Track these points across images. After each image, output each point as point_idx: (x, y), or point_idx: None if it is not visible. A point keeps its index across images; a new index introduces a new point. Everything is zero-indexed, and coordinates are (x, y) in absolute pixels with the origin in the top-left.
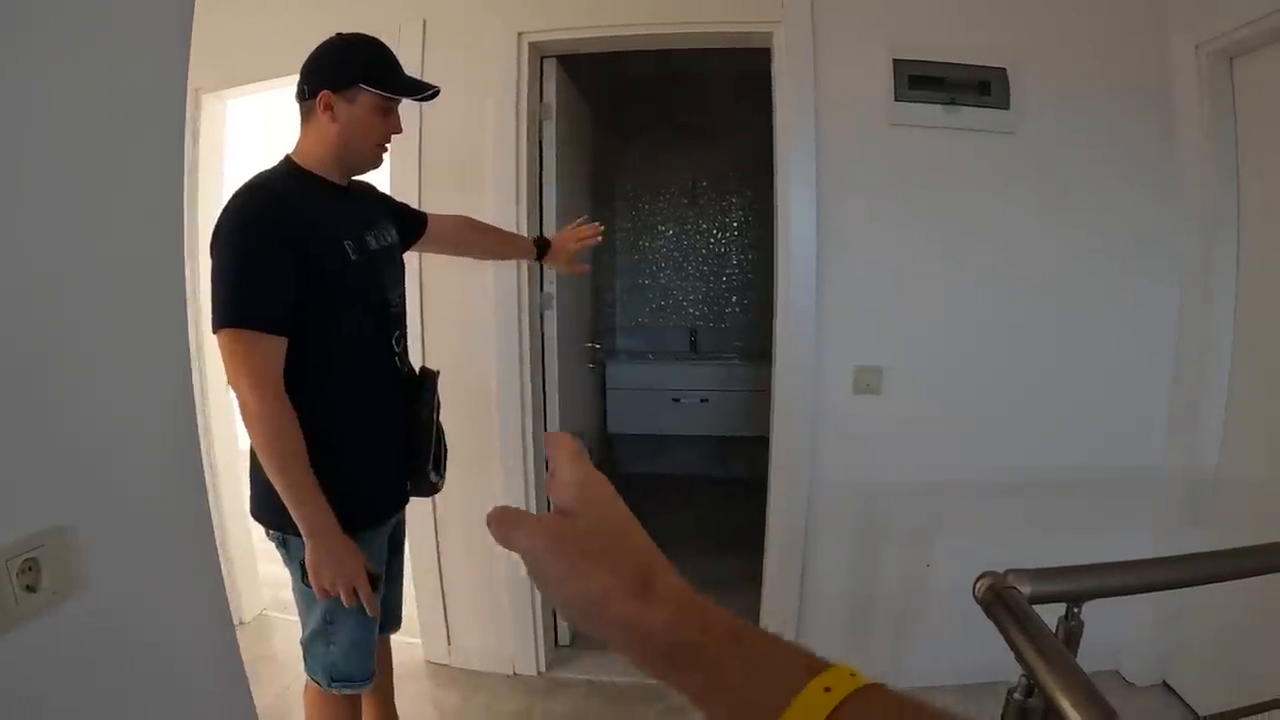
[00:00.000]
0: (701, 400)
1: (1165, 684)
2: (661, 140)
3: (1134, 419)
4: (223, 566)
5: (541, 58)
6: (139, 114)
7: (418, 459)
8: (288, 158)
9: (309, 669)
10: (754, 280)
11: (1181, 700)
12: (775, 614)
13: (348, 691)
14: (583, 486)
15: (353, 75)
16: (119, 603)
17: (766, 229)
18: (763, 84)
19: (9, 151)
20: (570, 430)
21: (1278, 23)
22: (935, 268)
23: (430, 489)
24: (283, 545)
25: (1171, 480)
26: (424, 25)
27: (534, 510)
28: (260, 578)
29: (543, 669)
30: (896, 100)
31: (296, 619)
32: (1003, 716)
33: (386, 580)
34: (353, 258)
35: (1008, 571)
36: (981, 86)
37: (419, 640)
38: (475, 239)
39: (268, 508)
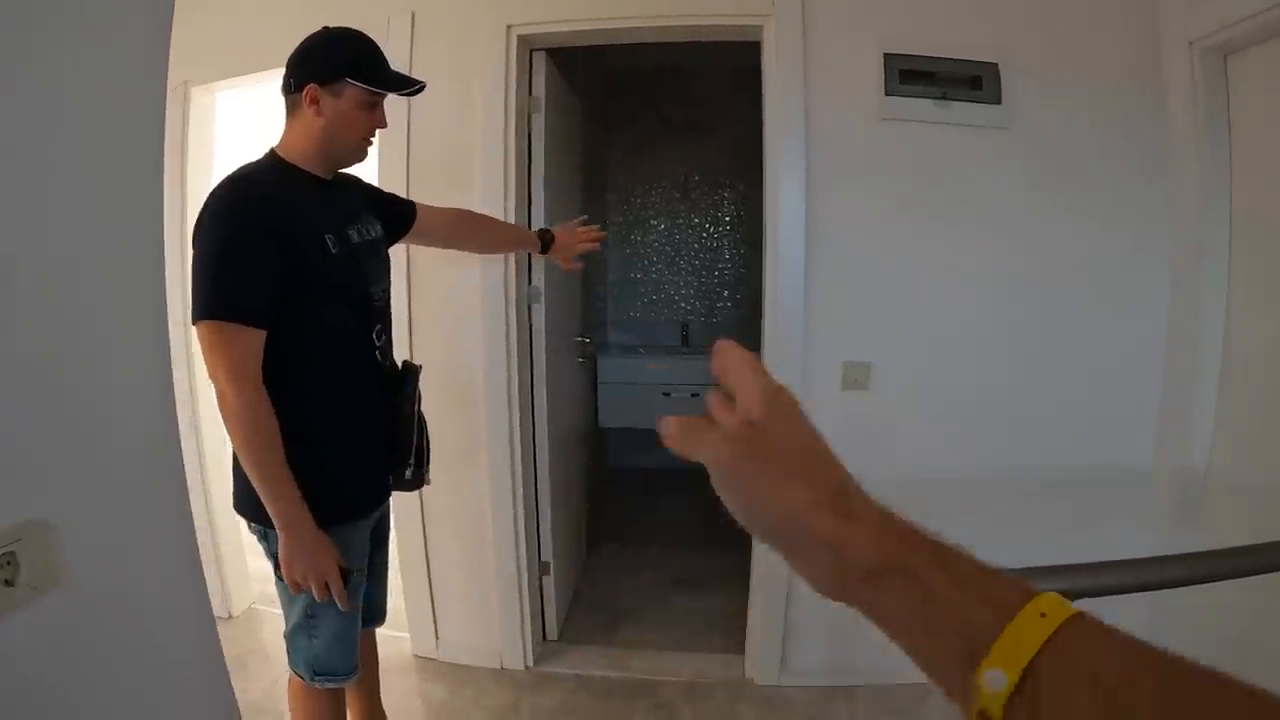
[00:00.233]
0: (693, 395)
1: None
2: (653, 134)
3: (1123, 416)
4: (212, 560)
5: (531, 51)
6: (117, 105)
7: (399, 453)
8: (272, 151)
9: (292, 662)
10: (746, 275)
11: None
12: (762, 612)
13: (331, 685)
14: (772, 396)
15: (339, 69)
16: (98, 597)
17: (759, 223)
18: (756, 78)
19: None
20: (558, 425)
21: (1272, 19)
22: (925, 263)
23: (413, 484)
24: (264, 539)
25: (1160, 478)
26: (412, 18)
27: (516, 506)
28: (250, 571)
29: (530, 663)
30: (887, 94)
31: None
32: None
33: (371, 574)
34: (334, 251)
35: None
36: (973, 81)
37: (406, 634)
38: (474, 233)
39: (249, 502)
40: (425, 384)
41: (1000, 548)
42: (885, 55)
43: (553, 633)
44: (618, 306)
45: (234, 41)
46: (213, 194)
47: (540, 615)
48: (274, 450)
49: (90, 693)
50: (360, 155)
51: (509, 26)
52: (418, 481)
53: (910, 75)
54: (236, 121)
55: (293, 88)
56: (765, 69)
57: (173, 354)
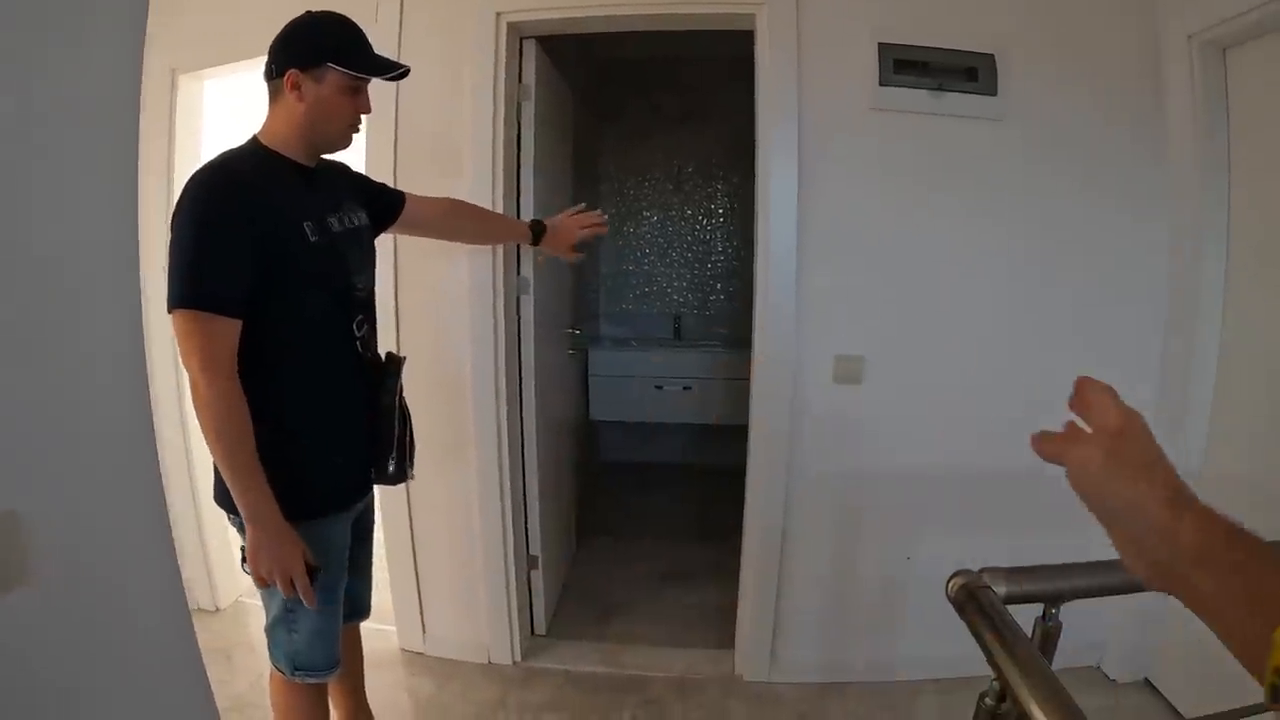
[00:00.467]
0: (685, 388)
1: (1147, 681)
2: (646, 124)
3: None
4: (198, 553)
5: (521, 38)
6: (90, 91)
7: (380, 446)
8: (254, 138)
9: (272, 657)
10: (739, 267)
11: (1163, 698)
12: (753, 605)
13: (311, 680)
14: (1128, 417)
15: (321, 54)
16: (66, 590)
17: (752, 215)
18: (749, 67)
19: None
20: (547, 417)
21: (1271, 13)
22: (919, 256)
23: (396, 478)
24: (242, 531)
25: None
26: (400, 4)
27: (504, 499)
28: (236, 564)
29: (518, 658)
30: (881, 85)
31: None
32: None
33: (354, 569)
34: (312, 239)
35: (982, 570)
36: (969, 72)
37: (393, 628)
38: (464, 224)
39: (227, 494)
40: (412, 376)
41: (993, 542)
42: (879, 45)
43: (541, 627)
44: (609, 298)
45: (222, 29)
46: (190, 180)
47: (529, 609)
48: (244, 442)
49: (60, 686)
50: (344, 142)
51: (498, 14)
52: (400, 475)
53: (905, 65)
54: (225, 110)
55: (274, 73)
56: (758, 58)
57: (161, 345)
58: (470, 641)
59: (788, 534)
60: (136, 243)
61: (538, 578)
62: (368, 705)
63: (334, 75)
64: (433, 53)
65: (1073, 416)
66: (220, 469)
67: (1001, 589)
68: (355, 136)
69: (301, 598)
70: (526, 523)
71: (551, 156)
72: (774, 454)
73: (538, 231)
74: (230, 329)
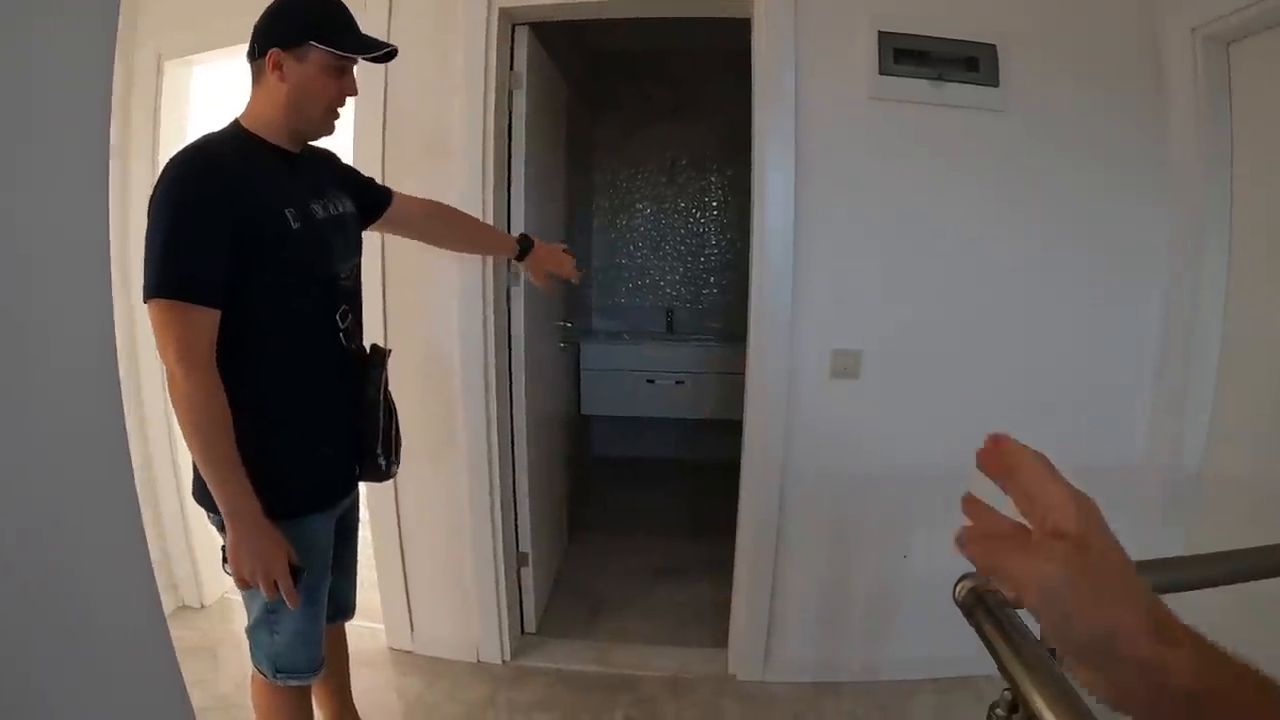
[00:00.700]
0: (677, 382)
1: None
2: (639, 116)
3: (1116, 410)
4: (183, 548)
5: (513, 25)
6: (58, 76)
7: (364, 442)
8: (235, 121)
9: (253, 658)
10: (733, 260)
11: None
12: (747, 604)
13: (294, 683)
14: (1081, 510)
15: (304, 32)
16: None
17: (746, 208)
18: (744, 59)
19: None
20: (537, 412)
21: (1274, 7)
22: (917, 248)
23: (381, 474)
24: (222, 530)
25: (1153, 473)
26: None
27: (493, 495)
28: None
29: (508, 657)
30: (881, 74)
31: None
32: None
33: (338, 568)
34: (294, 226)
35: None
36: (969, 63)
37: (380, 626)
38: (449, 229)
39: (207, 490)
40: (399, 369)
41: None
42: (880, 33)
43: (531, 625)
44: (602, 292)
45: (210, 13)
46: (168, 165)
47: (519, 607)
48: (222, 436)
49: (23, 686)
50: (328, 125)
51: None
52: (386, 472)
53: (905, 55)
54: (212, 97)
55: (256, 53)
56: (755, 45)
57: (150, 338)
58: (459, 640)
59: (782, 532)
60: (107, 232)
61: (528, 575)
62: (353, 706)
63: (317, 54)
64: (423, 38)
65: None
66: (198, 463)
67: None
68: (342, 124)
69: (285, 599)
70: (516, 519)
71: (543, 146)
72: (769, 450)
73: (525, 247)
74: (208, 319)
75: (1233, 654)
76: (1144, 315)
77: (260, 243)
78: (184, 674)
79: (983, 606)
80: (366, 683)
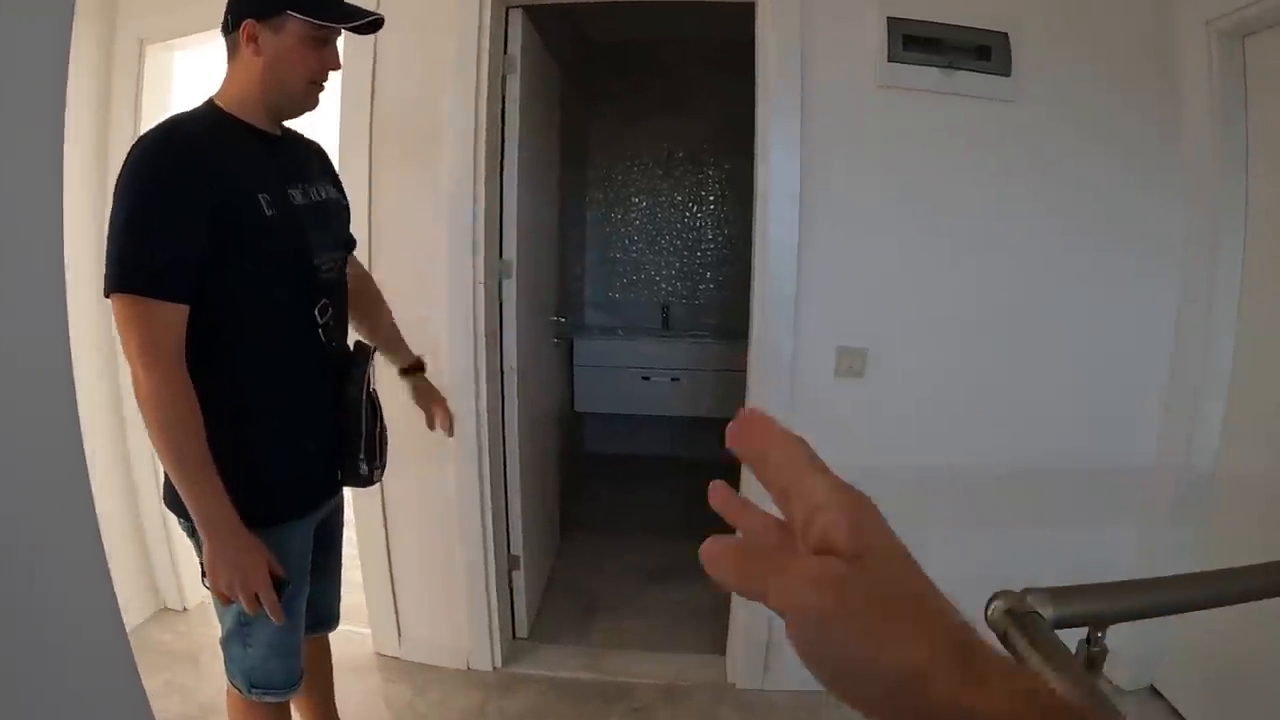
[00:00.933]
0: (673, 379)
1: (1153, 688)
2: (635, 108)
3: (1127, 410)
4: (164, 551)
5: (507, 7)
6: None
7: (346, 443)
8: (209, 100)
9: (228, 672)
10: (730, 256)
11: (1170, 705)
12: (746, 611)
13: (270, 699)
14: (854, 513)
15: (279, 1)
16: None
17: (743, 202)
18: (742, 51)
19: None
20: (529, 410)
21: None
22: (925, 242)
23: (363, 479)
24: (193, 536)
25: (1164, 473)
26: None
27: (483, 495)
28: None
29: (499, 664)
30: (890, 61)
31: None
32: None
33: (320, 576)
34: (268, 213)
35: (1026, 591)
36: (981, 51)
37: (367, 630)
38: (362, 303)
39: (178, 496)
40: (385, 364)
41: (998, 544)
42: (889, 19)
43: (523, 630)
44: (596, 287)
45: None
46: (135, 145)
47: (510, 611)
48: (194, 440)
49: None
50: (309, 101)
51: None
52: (370, 476)
53: (914, 42)
54: (195, 82)
55: (230, 26)
56: (759, 31)
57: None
58: (449, 646)
59: None
60: (61, 227)
61: (520, 578)
62: (338, 718)
63: (295, 24)
64: (414, 19)
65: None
66: (168, 471)
67: (1049, 612)
68: (328, 107)
69: (268, 613)
70: (508, 521)
71: (538, 133)
72: None
73: (416, 367)
74: (176, 315)
75: (1053, 689)
76: (1156, 311)
77: (234, 230)
78: (164, 679)
79: (1020, 629)
80: (352, 690)
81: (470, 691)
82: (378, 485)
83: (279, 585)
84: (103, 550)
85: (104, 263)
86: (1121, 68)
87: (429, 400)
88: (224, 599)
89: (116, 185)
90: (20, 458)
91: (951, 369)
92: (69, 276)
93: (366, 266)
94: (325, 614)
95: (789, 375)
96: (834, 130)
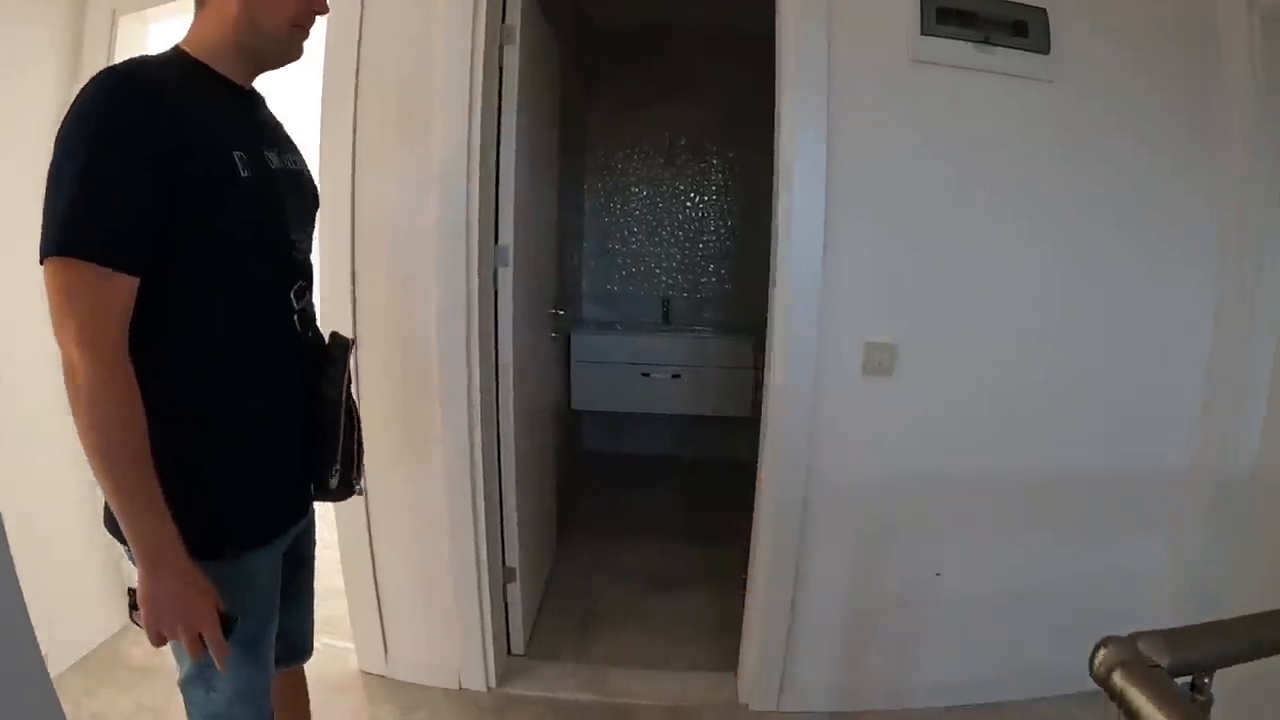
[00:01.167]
0: (674, 376)
1: None
2: (636, 94)
3: (1163, 409)
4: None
5: None
6: None
7: (321, 452)
8: (175, 46)
9: (189, 717)
10: (733, 248)
11: None
12: (761, 626)
13: None
14: None
15: None
16: None
17: (747, 193)
18: (746, 39)
19: None
20: (526, 411)
21: None
22: (957, 232)
23: (340, 493)
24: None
25: (1200, 476)
26: None
27: (476, 504)
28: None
29: (493, 684)
30: (923, 34)
31: None
32: None
33: (293, 602)
34: (243, 174)
35: (1135, 636)
36: (1017, 26)
37: (350, 645)
38: None
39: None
40: (369, 361)
41: (1027, 550)
42: None
43: (519, 645)
44: (594, 279)
45: None
46: (87, 84)
47: (504, 626)
48: (134, 448)
49: None
50: (292, 49)
51: None
52: (346, 490)
53: (949, 14)
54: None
55: None
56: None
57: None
58: (439, 664)
59: (803, 546)
60: None
61: (515, 590)
62: None
63: None
64: None
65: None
66: (102, 480)
67: (1164, 660)
68: (310, 73)
69: (214, 659)
70: (503, 529)
71: (536, 110)
72: (792, 456)
73: None
74: (124, 289)
75: None
76: (1195, 308)
77: (201, 190)
78: (134, 699)
79: (1136, 683)
80: (335, 711)
81: (462, 712)
82: (365, 501)
83: (226, 625)
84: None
85: (42, 219)
86: (1162, 50)
87: None
88: (159, 640)
89: (63, 128)
90: None
91: (984, 365)
92: (25, 256)
93: (349, 255)
94: (298, 645)
95: (812, 372)
96: (862, 109)
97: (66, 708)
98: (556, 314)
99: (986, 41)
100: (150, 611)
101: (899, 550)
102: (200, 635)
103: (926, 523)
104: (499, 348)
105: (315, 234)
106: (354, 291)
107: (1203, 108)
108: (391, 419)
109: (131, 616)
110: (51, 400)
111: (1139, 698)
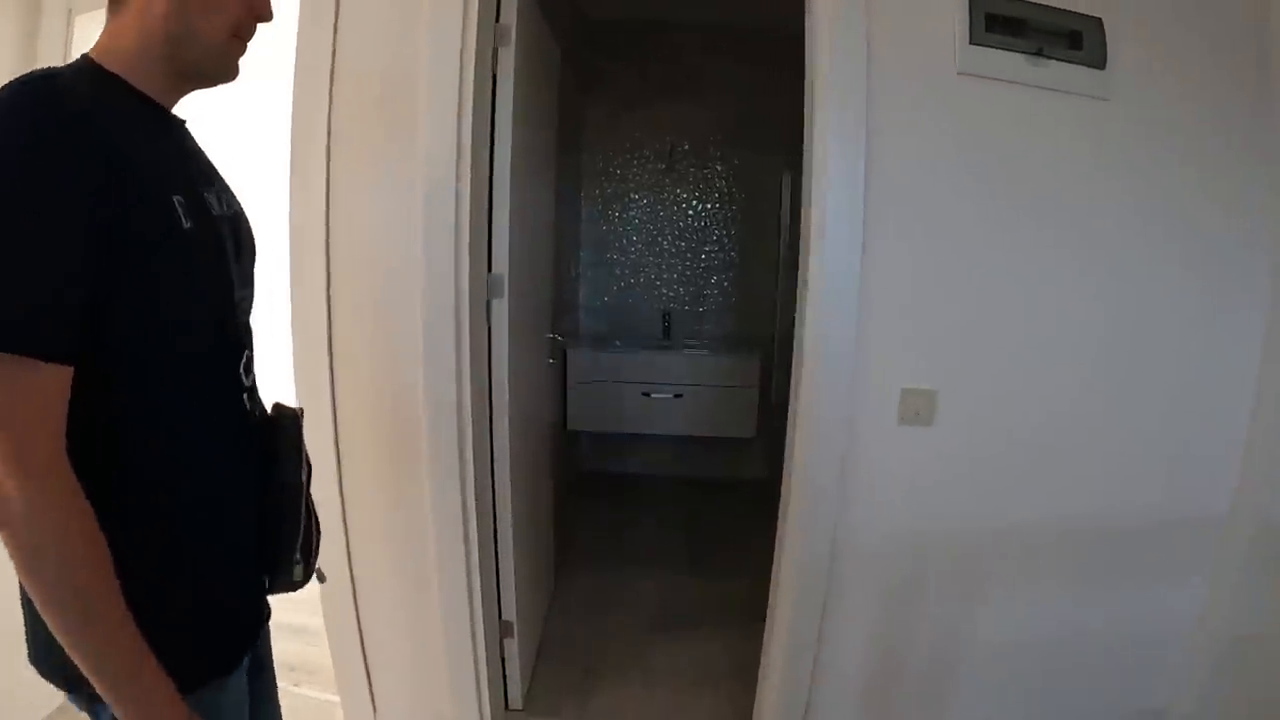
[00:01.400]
0: (676, 395)
1: None
2: (636, 95)
3: (1206, 449)
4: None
5: None
6: None
7: (280, 544)
8: (85, 57)
9: None
10: (737, 259)
11: None
12: (780, 685)
13: None
14: None
15: None
16: None
17: (753, 200)
18: (752, 35)
19: None
20: (523, 450)
21: None
22: (1003, 264)
23: (299, 583)
24: (93, 712)
25: (1241, 520)
26: None
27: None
28: None
29: None
30: (972, 43)
31: None
32: None
33: (261, 701)
34: (185, 225)
35: None
36: (1072, 38)
37: (336, 698)
38: None
39: (62, 656)
40: (349, 409)
41: (1062, 603)
42: None
43: (516, 699)
44: (591, 290)
45: None
46: None
47: (502, 678)
48: (100, 588)
49: None
50: (230, 63)
51: None
52: (307, 577)
53: (998, 22)
54: None
55: None
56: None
57: None
58: (429, 715)
59: (828, 602)
60: None
61: (512, 646)
62: None
63: None
64: None
65: None
66: (54, 628)
67: None
68: (277, 84)
69: None
70: (499, 583)
71: (533, 117)
72: (818, 511)
73: None
74: (55, 383)
75: None
76: (1242, 341)
77: (141, 249)
78: None
79: None
80: None
81: None
82: (342, 538)
83: None
84: None
85: None
86: (1238, 70)
87: None
88: None
89: None
90: None
91: (1033, 412)
92: None
93: (323, 276)
94: None
95: (845, 422)
96: (904, 127)
97: None
98: (555, 339)
99: (1040, 54)
100: None
101: (930, 603)
102: None
103: (959, 574)
104: (494, 389)
105: (285, 267)
106: (330, 331)
107: (1259, 132)
108: (377, 467)
109: None
110: None
111: None
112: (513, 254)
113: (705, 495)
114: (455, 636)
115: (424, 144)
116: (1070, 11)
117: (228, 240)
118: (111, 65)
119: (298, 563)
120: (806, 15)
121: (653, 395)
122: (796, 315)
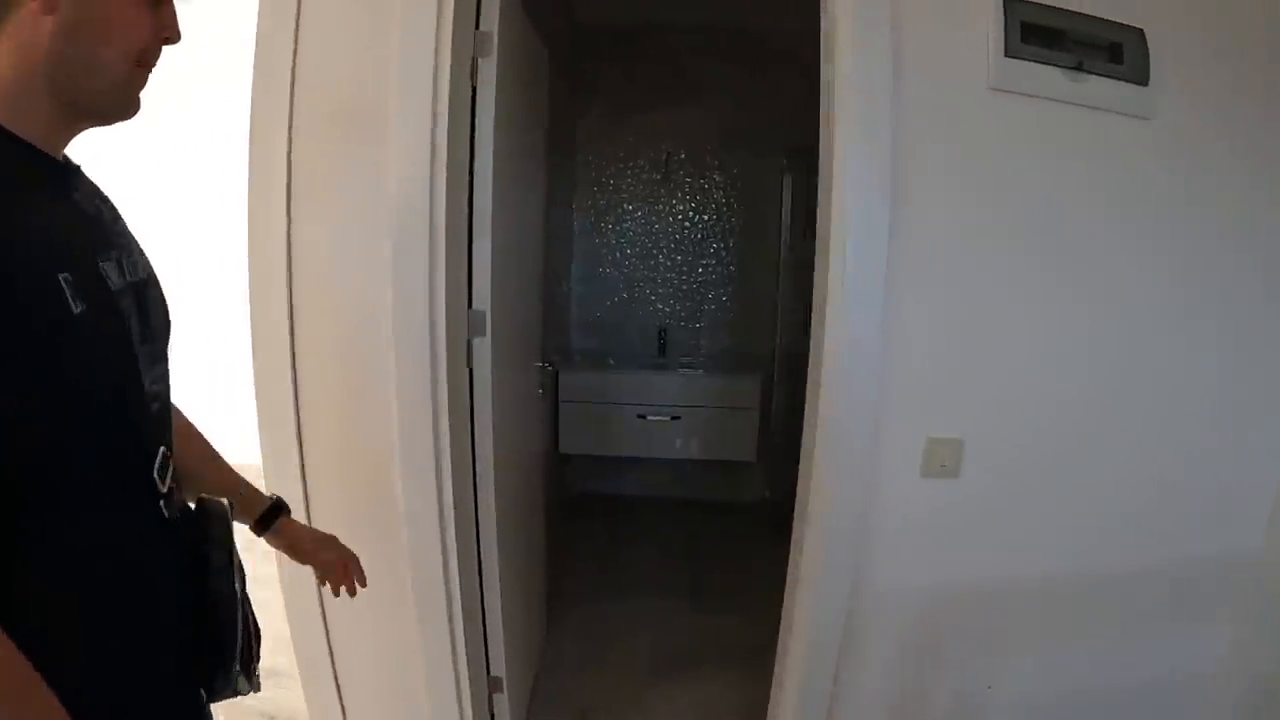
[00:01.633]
0: (673, 417)
1: None
2: (630, 102)
3: (1238, 494)
4: None
5: None
6: None
7: (218, 661)
8: None
9: None
10: (735, 272)
11: None
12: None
13: None
14: None
15: None
16: None
17: (751, 208)
18: (750, 41)
19: None
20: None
21: None
22: (1040, 301)
23: (242, 691)
24: None
25: (1271, 566)
26: None
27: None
28: None
29: None
30: (1007, 56)
31: None
32: None
33: None
34: (76, 310)
35: None
36: (1112, 51)
37: None
38: (187, 446)
39: None
40: (317, 461)
41: (1088, 654)
42: (1005, 2)
43: None
44: (583, 307)
45: None
46: None
47: (487, 709)
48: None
49: None
50: (128, 98)
51: None
52: (248, 686)
53: (1036, 33)
54: None
55: None
56: (827, 5)
57: None
58: None
59: (843, 663)
60: None
61: (502, 702)
62: None
63: None
64: None
65: None
66: None
67: None
68: (228, 94)
69: None
70: (486, 636)
71: (516, 133)
72: (834, 568)
73: (274, 511)
74: None
75: None
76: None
77: (20, 347)
78: None
79: None
80: None
81: None
82: (316, 597)
83: None
84: None
85: None
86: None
87: (316, 551)
88: None
89: None
90: None
91: (1059, 463)
92: None
93: (286, 321)
94: None
95: (866, 473)
96: (933, 149)
97: None
98: (545, 367)
99: (1079, 68)
100: None
101: (949, 662)
102: None
103: (980, 630)
104: (476, 435)
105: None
106: (295, 380)
107: None
108: (349, 518)
109: None
110: None
111: None
112: (495, 286)
113: (704, 517)
114: (440, 699)
115: (394, 151)
116: (1111, 21)
117: (131, 318)
118: None
119: (238, 674)
120: (824, 19)
121: (648, 417)
122: (816, 359)
